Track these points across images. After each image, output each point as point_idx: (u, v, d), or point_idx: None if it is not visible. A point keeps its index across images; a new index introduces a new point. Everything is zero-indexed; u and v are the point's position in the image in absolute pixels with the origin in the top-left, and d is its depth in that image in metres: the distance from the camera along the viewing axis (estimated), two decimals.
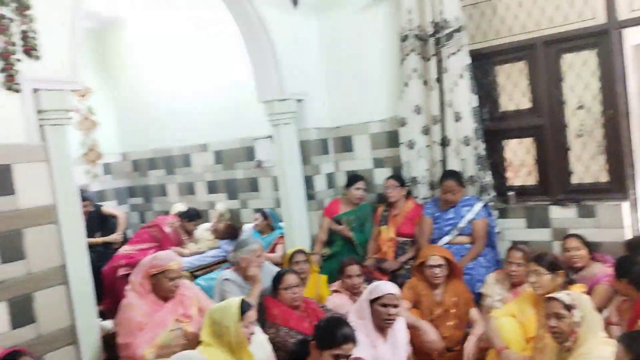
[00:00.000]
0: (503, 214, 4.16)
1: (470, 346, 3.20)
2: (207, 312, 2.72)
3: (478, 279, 3.72)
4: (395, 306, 2.77)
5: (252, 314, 2.68)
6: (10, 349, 2.26)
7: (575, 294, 2.38)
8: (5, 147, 2.66)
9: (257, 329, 2.96)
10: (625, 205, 3.69)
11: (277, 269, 3.72)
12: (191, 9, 5.70)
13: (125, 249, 5.06)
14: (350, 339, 2.26)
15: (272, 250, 4.86)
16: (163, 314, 2.93)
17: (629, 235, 3.64)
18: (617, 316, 2.88)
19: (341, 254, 4.41)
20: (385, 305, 2.75)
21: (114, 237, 5.42)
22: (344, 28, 4.78)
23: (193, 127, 5.91)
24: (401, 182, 4.36)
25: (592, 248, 3.57)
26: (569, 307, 2.31)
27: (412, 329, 3.08)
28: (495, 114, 4.32)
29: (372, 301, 2.79)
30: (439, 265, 3.41)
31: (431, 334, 3.17)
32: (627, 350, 1.71)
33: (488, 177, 4.12)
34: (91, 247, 5.13)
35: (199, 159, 6.00)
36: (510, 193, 4.19)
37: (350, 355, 2.27)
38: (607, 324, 2.88)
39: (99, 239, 5.28)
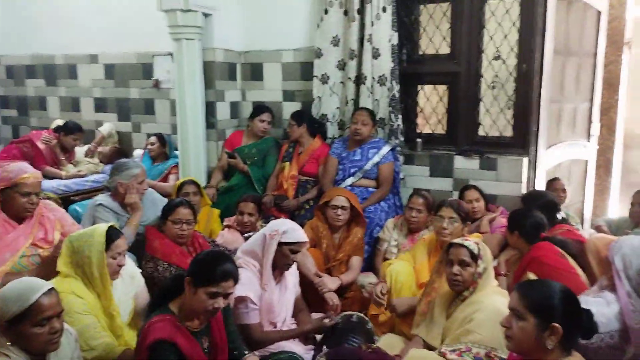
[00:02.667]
0: (408, 161, 4.06)
1: (328, 283, 2.98)
2: (67, 239, 2.31)
3: (378, 223, 3.63)
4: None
5: (121, 243, 2.32)
6: None
7: (482, 245, 2.32)
8: None
9: (130, 261, 2.61)
10: (525, 161, 3.72)
11: (162, 198, 3.35)
12: None
13: None
14: (231, 275, 2.00)
15: (165, 180, 4.43)
16: (14, 236, 2.47)
17: (524, 190, 3.69)
18: (505, 268, 2.91)
19: (239, 187, 4.12)
20: (294, 252, 2.52)
21: None
22: None
23: (82, 33, 5.13)
24: (300, 120, 4.08)
25: (489, 200, 3.62)
26: (475, 257, 2.25)
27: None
28: (413, 55, 4.13)
29: (283, 243, 2.52)
30: (343, 207, 3.24)
31: (311, 268, 3.01)
32: (523, 297, 1.63)
33: (399, 121, 3.97)
34: None
35: (87, 71, 5.26)
36: (418, 140, 4.10)
37: (229, 294, 2.01)
38: (496, 274, 2.90)
39: None
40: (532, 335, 1.58)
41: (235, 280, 2.02)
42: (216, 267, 1.98)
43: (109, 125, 5.18)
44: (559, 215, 3.17)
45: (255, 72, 4.54)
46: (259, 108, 4.31)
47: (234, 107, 4.55)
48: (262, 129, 4.23)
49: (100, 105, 5.27)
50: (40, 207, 2.60)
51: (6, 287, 1.79)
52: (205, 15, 4.17)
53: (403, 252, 3.29)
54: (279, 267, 2.54)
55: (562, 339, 1.57)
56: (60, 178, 4.51)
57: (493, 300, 2.14)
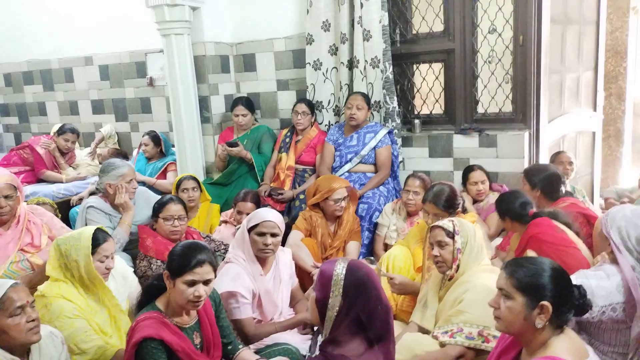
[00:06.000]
0: (407, 143, 3.97)
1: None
2: (54, 242, 2.29)
3: (377, 208, 3.54)
4: (274, 235, 2.49)
5: (109, 247, 2.29)
6: None
7: (458, 221, 2.26)
8: None
9: (122, 262, 2.59)
10: (526, 135, 3.61)
11: (155, 196, 3.32)
12: None
13: None
14: (205, 261, 1.94)
15: (163, 177, 4.38)
16: (3, 243, 2.46)
17: (527, 165, 3.58)
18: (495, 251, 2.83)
19: (238, 177, 4.08)
20: (262, 234, 2.46)
21: None
22: None
23: (74, 35, 5.11)
24: (312, 108, 4.02)
25: (491, 178, 3.53)
26: (451, 234, 2.20)
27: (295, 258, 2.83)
28: (407, 35, 4.02)
29: (250, 229, 2.49)
30: (344, 198, 3.16)
31: (307, 259, 2.95)
32: (510, 276, 1.57)
33: (394, 103, 3.88)
34: None
35: (82, 73, 5.24)
36: (416, 121, 4.00)
37: (208, 280, 1.97)
38: (501, 249, 2.83)
39: None
40: (520, 314, 1.51)
41: (212, 265, 1.97)
42: (189, 255, 1.94)
43: (109, 126, 5.18)
44: (563, 189, 3.06)
45: (248, 63, 4.48)
46: (234, 101, 4.22)
47: (229, 100, 4.48)
48: (239, 122, 4.14)
49: (98, 107, 5.26)
50: (27, 213, 2.59)
51: None
52: (193, 8, 4.10)
53: (403, 236, 3.22)
54: (257, 255, 2.49)
55: (553, 316, 1.49)
56: (61, 182, 4.52)
57: (482, 278, 2.07)
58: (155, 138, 4.46)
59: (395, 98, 3.88)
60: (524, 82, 3.65)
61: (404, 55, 4.02)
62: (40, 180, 4.58)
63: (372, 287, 1.68)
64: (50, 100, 5.52)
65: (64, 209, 4.04)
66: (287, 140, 4.13)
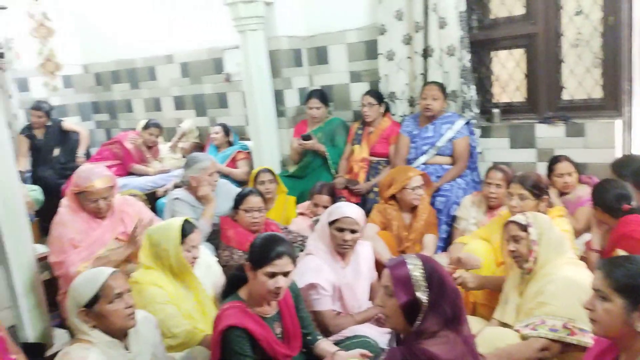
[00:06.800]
0: (486, 133, 3.84)
1: None
2: (146, 232, 2.44)
3: (455, 201, 3.46)
4: (354, 231, 2.50)
5: (195, 237, 2.40)
6: None
7: (531, 213, 2.21)
8: None
9: (206, 251, 2.72)
10: (618, 123, 3.37)
11: (235, 188, 3.44)
12: None
13: None
14: (285, 253, 2.00)
15: (232, 165, 4.54)
16: (100, 232, 2.67)
17: (619, 155, 3.35)
18: (601, 242, 2.66)
19: (312, 170, 4.14)
20: (341, 230, 2.48)
21: None
22: None
23: (156, 35, 5.37)
24: (379, 98, 3.99)
25: (579, 169, 3.33)
26: (524, 227, 2.14)
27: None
28: (484, 21, 3.87)
29: (330, 223, 2.52)
30: (421, 186, 3.15)
31: (383, 253, 2.92)
32: (606, 276, 1.47)
33: (472, 92, 3.76)
34: (50, 163, 4.92)
35: (164, 71, 5.52)
36: (495, 110, 3.85)
37: (288, 272, 2.02)
38: (588, 249, 2.67)
39: None
40: (619, 317, 1.43)
41: (291, 257, 2.02)
42: (269, 247, 1.99)
43: (189, 121, 5.42)
44: None
45: (320, 56, 4.50)
46: (308, 94, 4.28)
47: (303, 94, 4.54)
48: (313, 115, 4.18)
49: (179, 103, 5.52)
50: (120, 204, 2.78)
51: (76, 280, 1.96)
52: (267, 4, 4.19)
53: None
54: (335, 248, 2.51)
55: None
56: (148, 174, 4.79)
57: (564, 270, 2.00)
58: (225, 128, 4.70)
59: (473, 87, 3.75)
60: (615, 66, 3.41)
61: (482, 41, 3.87)
62: (129, 173, 4.89)
63: (445, 273, 1.69)
64: (136, 98, 5.86)
65: (151, 201, 4.29)
66: (360, 132, 4.12)
